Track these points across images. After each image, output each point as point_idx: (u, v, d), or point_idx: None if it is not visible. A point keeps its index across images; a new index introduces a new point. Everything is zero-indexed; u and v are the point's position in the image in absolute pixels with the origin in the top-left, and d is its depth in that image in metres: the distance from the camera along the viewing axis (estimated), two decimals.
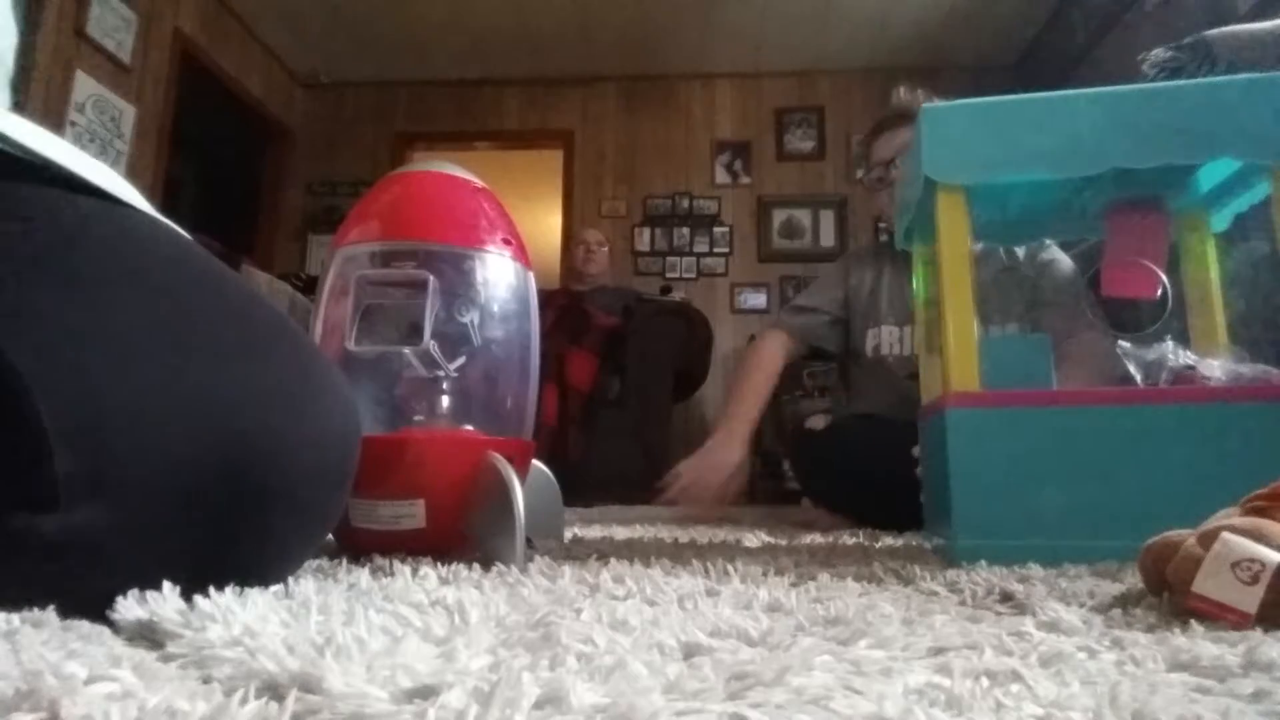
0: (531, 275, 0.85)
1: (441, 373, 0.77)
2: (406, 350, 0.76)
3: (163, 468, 0.38)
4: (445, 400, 0.79)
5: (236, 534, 0.41)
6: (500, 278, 0.81)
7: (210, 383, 0.41)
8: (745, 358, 1.66)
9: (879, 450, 1.27)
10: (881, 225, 3.62)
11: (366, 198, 0.83)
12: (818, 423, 1.51)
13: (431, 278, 0.75)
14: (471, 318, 0.78)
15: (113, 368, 0.38)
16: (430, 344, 0.74)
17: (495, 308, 0.80)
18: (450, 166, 0.84)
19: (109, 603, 0.36)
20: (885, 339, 1.59)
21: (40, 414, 0.36)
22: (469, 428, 0.78)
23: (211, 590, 0.38)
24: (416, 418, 0.79)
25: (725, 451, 1.47)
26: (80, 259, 0.42)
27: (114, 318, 0.40)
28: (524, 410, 0.83)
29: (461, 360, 0.78)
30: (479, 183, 0.85)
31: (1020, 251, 1.48)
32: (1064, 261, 1.46)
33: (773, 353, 1.59)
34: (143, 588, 0.37)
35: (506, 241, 0.82)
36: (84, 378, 0.37)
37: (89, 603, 0.36)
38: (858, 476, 1.37)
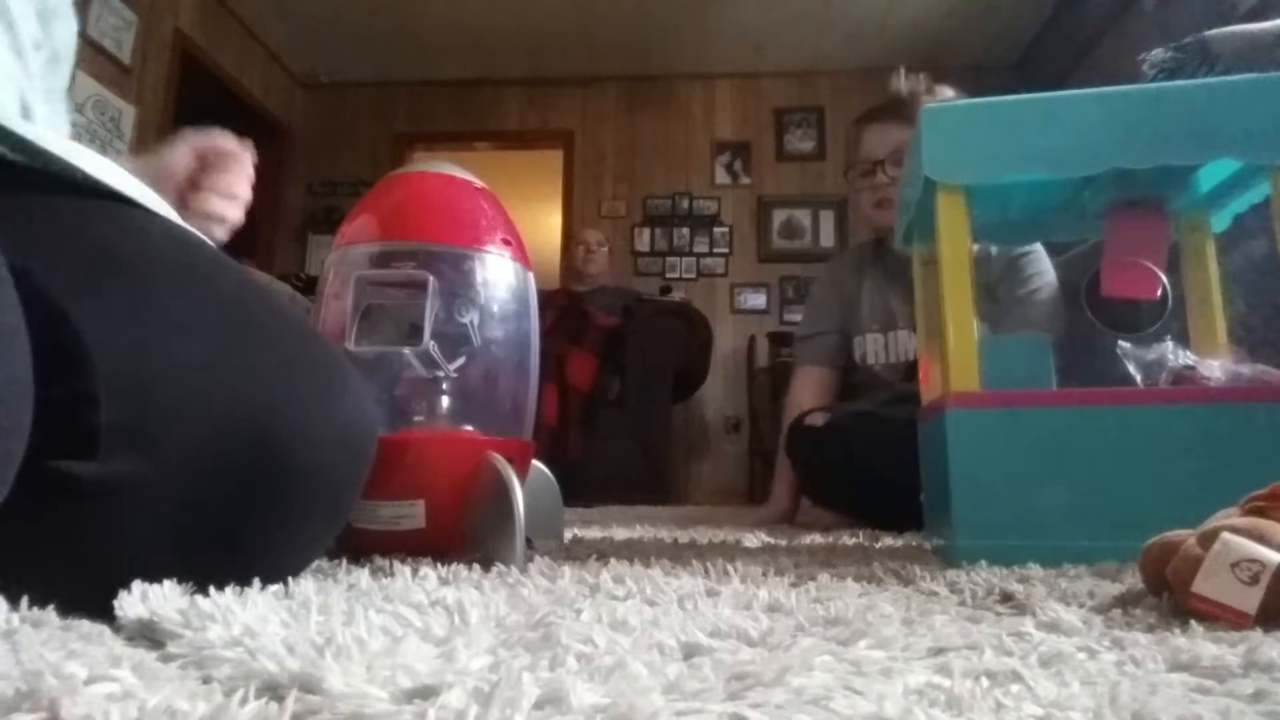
0: (531, 275, 0.85)
1: (441, 373, 0.77)
2: (406, 350, 0.76)
3: (198, 432, 0.41)
4: (445, 400, 0.79)
5: (258, 508, 0.43)
6: (500, 278, 0.81)
7: (248, 364, 0.44)
8: (785, 409, 1.70)
9: (878, 447, 1.26)
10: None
11: (366, 198, 0.83)
12: (817, 419, 1.50)
13: (431, 278, 0.75)
14: (471, 318, 0.78)
15: (163, 338, 0.43)
16: (430, 344, 0.74)
17: (495, 308, 0.80)
18: (450, 166, 0.84)
19: (132, 558, 0.38)
20: (870, 348, 1.57)
21: (95, 369, 0.39)
22: (469, 428, 0.78)
23: (212, 590, 0.39)
24: (416, 418, 0.79)
25: (773, 514, 1.63)
26: (141, 254, 0.47)
27: (165, 300, 0.45)
28: (524, 410, 0.83)
29: (461, 360, 0.78)
30: (479, 183, 0.85)
31: (993, 250, 1.45)
32: (1031, 266, 1.43)
33: (799, 404, 1.62)
34: (165, 545, 0.40)
35: (506, 241, 0.82)
36: (136, 344, 0.41)
37: (114, 555, 0.39)
38: (856, 473, 1.36)
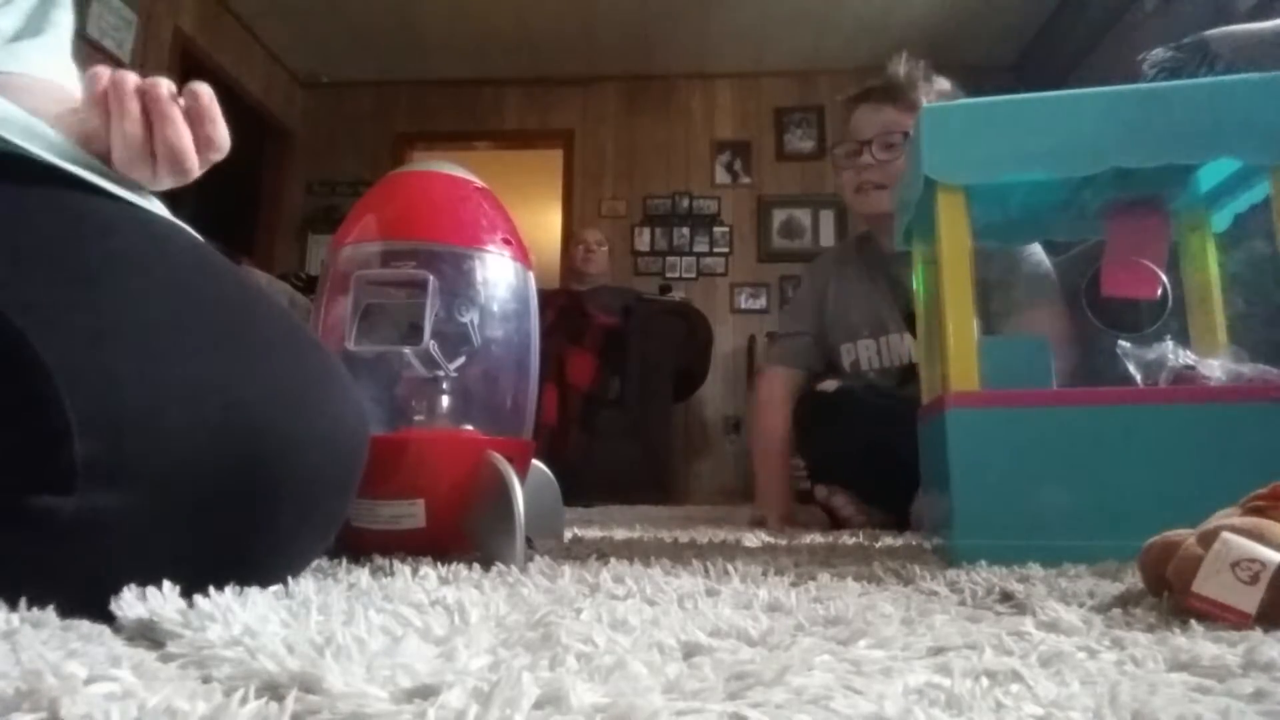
0: (531, 275, 0.85)
1: (441, 372, 0.77)
2: (406, 350, 0.76)
3: (178, 458, 0.39)
4: (445, 400, 0.79)
5: (247, 528, 0.42)
6: (500, 278, 0.81)
7: (227, 379, 0.42)
8: (755, 417, 1.62)
9: (889, 415, 1.25)
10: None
11: (367, 197, 0.83)
12: (829, 386, 1.48)
13: (431, 278, 0.75)
14: (471, 318, 0.78)
15: (135, 360, 0.40)
16: (430, 344, 0.74)
17: (495, 308, 0.80)
18: (450, 166, 0.84)
19: (118, 590, 0.37)
20: (862, 354, 1.53)
21: (64, 402, 0.37)
22: (469, 428, 0.78)
23: (211, 590, 0.39)
24: (416, 417, 0.79)
25: (772, 517, 1.51)
26: (107, 258, 0.43)
27: (137, 313, 0.42)
28: (524, 410, 0.83)
29: (461, 360, 0.78)
30: (479, 183, 0.85)
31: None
32: (1029, 249, 1.41)
33: (775, 405, 1.55)
34: (153, 576, 0.38)
35: (506, 241, 0.82)
36: (106, 369, 0.39)
37: (99, 588, 0.37)
38: (864, 437, 1.35)
